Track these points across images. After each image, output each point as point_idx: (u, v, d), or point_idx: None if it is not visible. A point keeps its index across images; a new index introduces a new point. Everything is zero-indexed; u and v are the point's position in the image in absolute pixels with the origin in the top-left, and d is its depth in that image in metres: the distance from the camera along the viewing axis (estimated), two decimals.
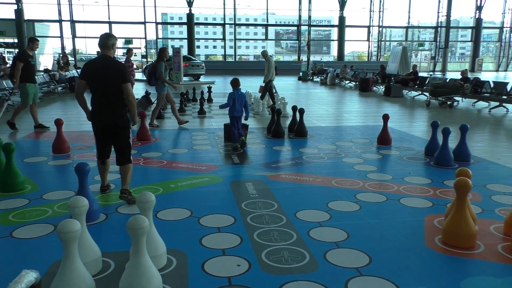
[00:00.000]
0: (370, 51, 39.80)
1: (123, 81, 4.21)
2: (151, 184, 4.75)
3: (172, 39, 72.66)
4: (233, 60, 38.97)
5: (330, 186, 4.73)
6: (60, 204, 4.11)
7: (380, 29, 39.05)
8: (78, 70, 20.98)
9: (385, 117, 6.99)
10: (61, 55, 31.18)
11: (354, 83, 21.44)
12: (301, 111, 7.63)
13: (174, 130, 8.27)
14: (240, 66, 35.61)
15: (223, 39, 38.83)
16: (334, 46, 39.96)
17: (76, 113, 10.66)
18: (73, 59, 30.43)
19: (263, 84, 11.55)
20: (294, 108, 7.94)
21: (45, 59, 38.35)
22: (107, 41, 4.37)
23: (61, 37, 36.46)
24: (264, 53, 11.55)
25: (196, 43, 38.30)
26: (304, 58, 38.14)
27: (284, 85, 21.48)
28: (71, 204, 2.84)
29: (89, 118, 4.24)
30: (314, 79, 25.79)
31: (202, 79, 25.35)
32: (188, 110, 11.25)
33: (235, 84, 6.48)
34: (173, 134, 7.83)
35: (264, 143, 7.09)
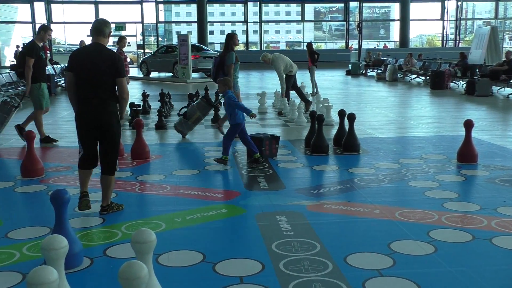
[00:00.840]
0: (445, 33, 39.36)
1: (118, 75, 4.56)
2: (150, 218, 4.79)
3: (178, 22, 74.16)
4: (258, 49, 39.31)
5: (392, 219, 4.66)
6: (31, 245, 4.18)
7: (459, 3, 38.61)
8: (56, 66, 21.57)
9: (468, 125, 6.87)
10: (20, 47, 32.18)
11: (423, 77, 21.24)
12: (351, 118, 7.60)
13: (180, 144, 8.37)
14: None
15: (245, 21, 39.32)
16: (395, 28, 39.81)
17: (52, 122, 10.95)
18: (47, 52, 31.29)
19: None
20: (341, 114, 7.92)
21: (12, 52, 39.65)
22: (103, 27, 4.62)
23: (33, 22, 37.74)
24: (265, 58, 11.63)
25: (209, 28, 38.95)
26: (354, 45, 38.13)
27: (327, 82, 21.49)
28: (46, 246, 2.88)
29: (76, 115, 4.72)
30: (368, 73, 25.71)
31: None
32: None
33: (227, 84, 6.75)
34: (178, 149, 7.94)
35: (302, 161, 7.09)
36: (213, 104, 9.26)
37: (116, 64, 4.57)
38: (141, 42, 39.29)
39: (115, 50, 11.03)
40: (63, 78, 19.82)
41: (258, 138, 7.17)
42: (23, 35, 44.93)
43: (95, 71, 4.58)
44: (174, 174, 6.43)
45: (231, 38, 8.78)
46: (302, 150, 7.76)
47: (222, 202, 5.27)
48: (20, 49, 31.82)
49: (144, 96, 12.17)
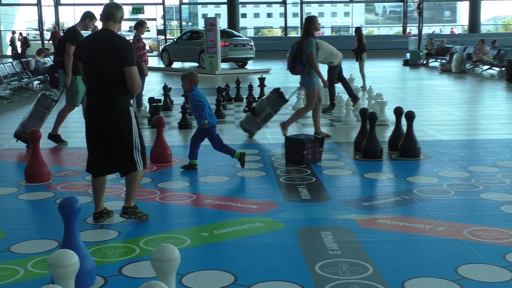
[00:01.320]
0: None
1: (126, 63, 4.66)
2: (172, 232, 4.84)
3: (204, 4, 74.78)
4: (298, 34, 39.17)
5: (460, 239, 4.60)
6: (36, 260, 4.26)
7: None
8: None
9: None
10: (17, 34, 32.76)
11: (497, 69, 20.85)
12: (410, 117, 7.52)
13: (208, 147, 8.42)
14: None
15: (283, 2, 39.37)
16: (463, 9, 39.16)
17: None
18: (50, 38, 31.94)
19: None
20: (397, 112, 7.85)
21: (16, 39, 40.55)
22: (114, 11, 4.74)
23: (39, 4, 38.61)
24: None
25: (241, 10, 39.13)
26: (413, 30, 37.69)
27: (381, 74, 21.33)
28: (54, 262, 2.95)
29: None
30: (430, 64, 25.39)
31: (250, 65, 25.77)
32: (229, 115, 11.45)
33: (192, 79, 6.72)
34: (205, 153, 7.98)
35: (350, 167, 7.06)
36: (286, 99, 9.19)
37: (123, 52, 4.66)
38: (161, 27, 39.75)
39: (132, 37, 11.32)
40: None
41: (299, 140, 7.17)
42: (27, 19, 46.10)
43: (99, 60, 4.70)
44: (200, 181, 6.48)
45: (311, 22, 8.57)
46: (351, 154, 7.72)
47: (256, 215, 5.27)
48: (17, 35, 32.54)
49: (166, 89, 12.31)
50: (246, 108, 8.88)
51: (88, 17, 8.38)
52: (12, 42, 31.73)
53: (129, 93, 4.79)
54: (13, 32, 33.38)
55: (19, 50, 31.11)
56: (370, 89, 11.83)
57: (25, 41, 31.94)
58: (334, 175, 6.68)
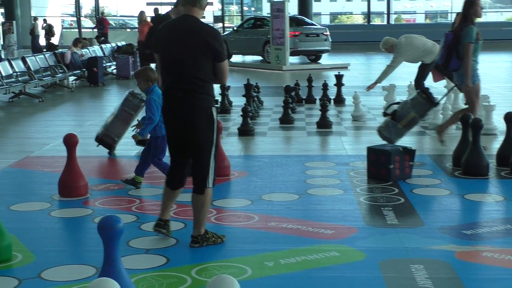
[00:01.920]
0: None
1: (217, 58, 4.87)
2: (230, 260, 4.87)
3: None
4: (385, 22, 38.86)
5: None
6: None
7: None
8: (105, 46, 22.54)
9: None
10: (40, 21, 33.35)
11: None
12: None
13: (273, 158, 8.46)
14: (398, 35, 35.21)
15: None
16: None
17: (99, 123, 11.43)
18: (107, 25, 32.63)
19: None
20: (509, 118, 7.68)
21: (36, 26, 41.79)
22: None
23: None
24: (385, 45, 11.30)
25: None
26: None
27: (488, 70, 20.87)
28: None
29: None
30: None
31: (325, 60, 25.70)
32: (299, 120, 11.47)
33: (147, 76, 6.72)
34: (269, 165, 8.02)
35: (448, 186, 6.97)
36: (436, 101, 9.15)
37: (213, 44, 4.83)
38: (219, 13, 40.19)
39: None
40: (115, 63, 20.69)
41: (385, 151, 7.11)
42: (62, 3, 47.51)
43: (182, 53, 4.86)
44: (264, 199, 6.51)
45: (471, 6, 8.47)
46: (449, 170, 7.63)
47: (331, 242, 5.25)
48: (39, 22, 33.26)
49: (223, 89, 12.43)
50: (385, 112, 8.77)
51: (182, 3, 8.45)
52: (32, 31, 32.27)
53: (212, 90, 4.99)
54: (35, 19, 34.17)
55: (41, 40, 31.61)
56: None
57: (49, 30, 32.75)
58: (427, 196, 6.59)
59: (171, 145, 5.14)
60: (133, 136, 6.88)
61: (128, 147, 9.04)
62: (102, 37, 26.62)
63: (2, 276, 4.59)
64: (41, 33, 32.75)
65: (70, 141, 6.76)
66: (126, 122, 8.69)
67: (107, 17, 38.50)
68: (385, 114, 8.68)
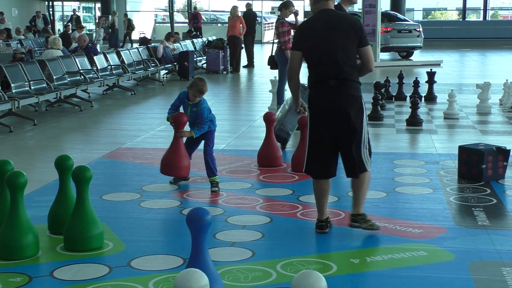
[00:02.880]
0: None
1: (364, 42, 5.22)
2: (316, 256, 4.89)
3: None
4: (481, 18, 37.90)
5: None
6: (159, 279, 4.45)
7: None
8: (196, 41, 22.85)
9: None
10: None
11: None
12: None
13: None
14: (495, 31, 34.37)
15: None
16: None
17: None
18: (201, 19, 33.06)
19: None
20: None
21: (142, 21, 42.74)
22: None
23: None
24: None
25: None
26: None
27: None
28: (181, 283, 3.05)
29: (297, 110, 5.64)
30: None
31: (417, 56, 25.30)
32: (389, 117, 11.35)
33: (200, 90, 6.57)
34: None
35: None
36: None
37: (359, 30, 5.20)
38: (309, 9, 40.13)
39: (275, 20, 11.51)
40: (204, 57, 20.96)
41: (477, 150, 6.95)
42: None
43: (334, 43, 5.13)
44: (350, 196, 6.45)
45: None
46: None
47: (419, 241, 5.19)
48: (124, 19, 33.78)
49: None
50: None
51: None
52: (112, 25, 32.51)
53: (361, 75, 5.34)
54: (114, 13, 34.67)
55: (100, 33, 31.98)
56: None
57: (129, 24, 33.34)
58: None
59: (319, 135, 5.22)
60: (183, 134, 6.74)
61: (216, 141, 9.16)
62: (194, 32, 26.94)
63: (94, 263, 4.74)
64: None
65: (178, 119, 6.71)
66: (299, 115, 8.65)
67: (199, 12, 38.99)
68: None
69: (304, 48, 5.23)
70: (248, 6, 22.70)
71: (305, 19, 5.65)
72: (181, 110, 6.81)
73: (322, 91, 5.17)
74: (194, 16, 32.09)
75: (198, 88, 6.53)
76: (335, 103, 5.11)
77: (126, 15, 35.27)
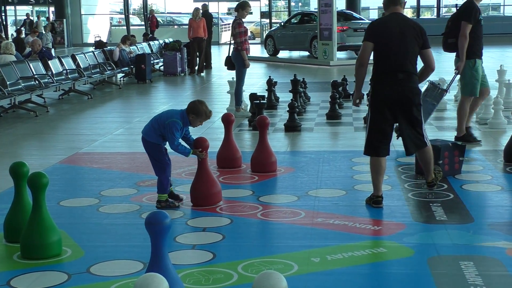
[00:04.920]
0: None
1: (427, 45, 6.04)
2: (276, 256, 4.88)
3: None
4: (435, 16, 38.33)
5: None
6: (119, 284, 4.42)
7: None
8: (153, 43, 22.72)
9: None
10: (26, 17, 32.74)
11: None
12: None
13: (319, 153, 8.43)
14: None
15: None
16: None
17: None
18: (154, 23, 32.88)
19: None
20: None
21: (97, 24, 42.35)
22: None
23: None
24: None
25: None
26: None
27: None
28: (140, 286, 3.04)
29: (355, 102, 6.43)
30: None
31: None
32: (347, 115, 11.43)
33: (200, 114, 6.05)
34: (316, 161, 7.99)
35: (499, 181, 6.89)
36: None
37: (423, 34, 6.02)
38: (266, 9, 40.20)
39: (231, 21, 11.51)
40: (162, 59, 20.87)
41: (434, 147, 7.01)
42: (110, 1, 48.11)
43: (405, 42, 5.93)
44: (310, 195, 6.49)
45: None
46: (500, 166, 7.52)
47: (379, 238, 5.24)
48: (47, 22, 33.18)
49: (270, 84, 12.43)
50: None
51: None
52: (19, 30, 31.53)
53: (427, 75, 6.30)
54: (27, 16, 33.97)
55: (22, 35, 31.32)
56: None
57: (52, 28, 32.39)
58: (477, 191, 6.51)
59: (384, 119, 5.93)
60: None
61: None
62: (150, 34, 26.78)
63: (53, 271, 4.68)
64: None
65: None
66: (427, 113, 8.40)
67: (156, 13, 38.82)
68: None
69: (377, 41, 5.95)
70: (205, 7, 22.64)
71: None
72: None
73: (391, 82, 5.88)
74: (150, 19, 32.02)
75: (206, 115, 6.11)
76: (402, 93, 5.86)
77: (48, 18, 34.56)
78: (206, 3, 24.76)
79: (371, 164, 6.03)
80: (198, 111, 6.04)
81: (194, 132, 9.88)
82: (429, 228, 5.42)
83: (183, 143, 6.27)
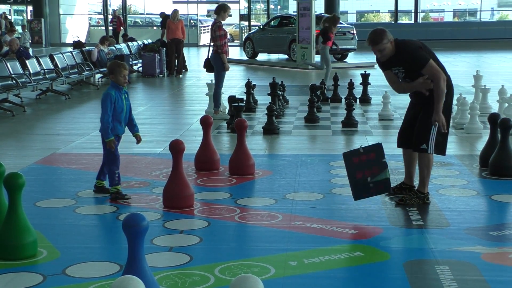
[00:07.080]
0: None
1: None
2: (253, 259, 4.87)
3: None
4: (413, 21, 38.60)
5: None
6: (95, 286, 4.39)
7: None
8: (132, 44, 22.63)
9: None
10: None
11: None
12: None
13: (297, 156, 8.44)
14: (426, 33, 35.13)
15: None
16: None
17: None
18: (120, 25, 32.89)
19: None
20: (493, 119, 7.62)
21: (76, 24, 42.10)
22: None
23: None
24: None
25: None
26: None
27: None
28: None
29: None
30: None
31: (351, 58, 25.62)
32: (325, 119, 11.45)
33: (114, 70, 6.41)
34: (294, 164, 8.00)
35: (475, 186, 6.93)
36: None
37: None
38: (245, 11, 40.19)
39: (211, 23, 11.49)
40: (140, 60, 20.79)
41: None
42: (89, 1, 47.89)
43: None
44: (288, 198, 6.50)
45: None
46: (475, 170, 7.57)
47: (355, 242, 5.24)
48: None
49: (249, 87, 12.44)
50: None
51: None
52: None
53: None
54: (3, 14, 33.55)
55: None
56: (503, 89, 11.46)
57: (11, 24, 31.89)
58: (453, 196, 6.53)
59: (411, 115, 6.36)
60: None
61: (153, 145, 9.11)
62: (129, 36, 26.63)
63: (28, 272, 4.64)
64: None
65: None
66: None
67: (133, 14, 38.68)
68: None
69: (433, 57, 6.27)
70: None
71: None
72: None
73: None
74: (116, 19, 31.83)
75: (120, 67, 6.38)
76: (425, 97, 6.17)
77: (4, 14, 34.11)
78: (184, 5, 24.60)
79: (431, 163, 6.22)
80: (112, 69, 6.45)
81: (172, 134, 9.87)
82: (406, 232, 5.45)
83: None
